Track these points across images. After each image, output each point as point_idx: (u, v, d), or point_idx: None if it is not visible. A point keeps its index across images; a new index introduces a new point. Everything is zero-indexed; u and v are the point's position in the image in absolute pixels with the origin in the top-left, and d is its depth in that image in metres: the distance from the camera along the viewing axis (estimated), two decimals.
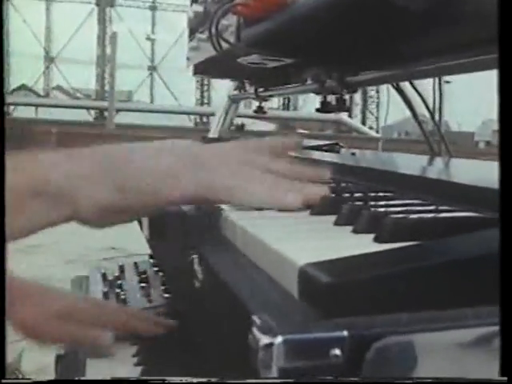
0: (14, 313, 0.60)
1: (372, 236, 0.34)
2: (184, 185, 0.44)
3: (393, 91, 1.15)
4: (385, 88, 1.33)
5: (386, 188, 0.51)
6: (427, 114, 1.14)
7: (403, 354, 0.23)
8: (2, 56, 0.39)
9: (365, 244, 0.33)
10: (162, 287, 0.89)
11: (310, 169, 0.50)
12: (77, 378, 0.65)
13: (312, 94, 1.00)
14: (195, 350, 0.50)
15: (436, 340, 0.24)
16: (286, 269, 0.30)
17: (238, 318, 0.30)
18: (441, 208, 0.41)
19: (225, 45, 0.76)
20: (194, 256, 0.40)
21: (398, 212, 0.38)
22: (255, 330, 0.24)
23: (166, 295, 0.88)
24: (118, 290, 0.96)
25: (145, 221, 0.66)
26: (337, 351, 0.24)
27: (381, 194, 0.49)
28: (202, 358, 0.47)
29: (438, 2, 0.52)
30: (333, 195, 0.46)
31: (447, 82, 1.15)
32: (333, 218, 0.40)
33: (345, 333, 0.24)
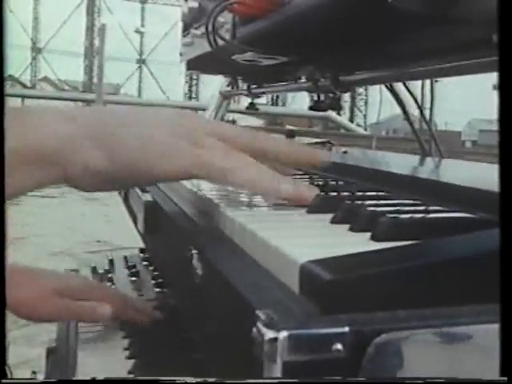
0: (9, 293, 0.61)
1: (369, 234, 0.35)
2: (181, 162, 0.43)
3: (384, 89, 1.16)
4: (375, 85, 1.34)
5: (381, 187, 0.52)
6: (416, 113, 1.15)
7: (403, 350, 0.24)
8: (2, 55, 0.39)
9: (362, 242, 0.34)
10: (153, 281, 0.89)
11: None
12: (75, 378, 0.65)
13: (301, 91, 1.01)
14: (192, 345, 0.51)
15: (435, 336, 0.25)
16: (287, 265, 0.31)
17: (237, 313, 0.31)
18: (436, 208, 0.42)
19: (220, 42, 0.76)
20: (194, 251, 0.40)
21: (395, 211, 0.39)
22: (260, 325, 0.25)
23: (157, 289, 0.88)
24: (108, 284, 0.96)
25: (140, 215, 0.67)
26: (339, 346, 0.24)
27: (377, 193, 0.50)
28: (200, 354, 0.47)
29: (433, 3, 0.53)
30: (329, 193, 0.47)
31: (436, 80, 1.16)
32: (329, 216, 0.41)
33: (346, 328, 0.25)
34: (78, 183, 0.44)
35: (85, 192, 0.46)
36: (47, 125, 0.43)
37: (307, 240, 0.36)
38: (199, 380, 0.27)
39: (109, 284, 0.96)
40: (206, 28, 0.75)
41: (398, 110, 1.18)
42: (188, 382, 0.28)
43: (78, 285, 0.65)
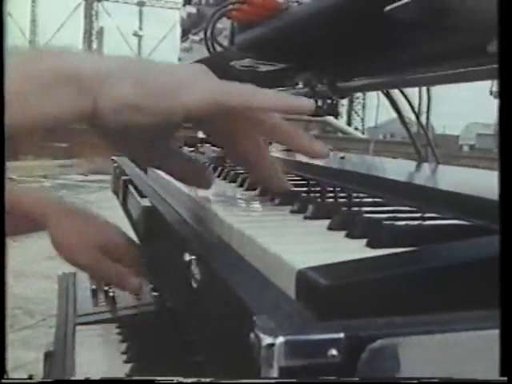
0: (55, 231, 0.62)
1: (365, 241, 0.36)
2: (200, 91, 0.45)
3: (380, 93, 1.17)
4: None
5: (378, 194, 0.52)
6: (413, 117, 1.16)
7: (398, 355, 0.25)
8: (2, 56, 0.40)
9: (358, 249, 0.35)
10: (151, 285, 0.89)
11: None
12: (75, 379, 0.65)
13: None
14: (190, 349, 0.51)
15: (430, 342, 0.25)
16: (284, 271, 0.32)
17: (235, 319, 0.31)
18: (432, 215, 0.42)
19: (218, 48, 0.77)
20: (192, 257, 0.41)
21: (391, 218, 0.40)
22: (257, 331, 0.25)
23: (155, 293, 0.88)
24: (106, 288, 0.97)
25: (138, 220, 0.67)
26: (334, 351, 0.25)
27: (374, 200, 0.50)
28: (197, 357, 0.48)
29: (430, 11, 0.54)
30: (326, 200, 0.48)
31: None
32: (325, 222, 0.42)
33: (341, 334, 0.25)
34: (105, 117, 0.45)
35: (111, 129, 0.47)
36: (84, 55, 0.48)
37: (304, 246, 0.36)
38: (193, 380, 0.28)
39: (106, 288, 0.96)
40: (205, 34, 0.76)
41: (395, 114, 1.18)
42: (182, 382, 0.28)
43: (121, 244, 0.67)
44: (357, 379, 0.25)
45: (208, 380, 0.28)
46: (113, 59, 0.47)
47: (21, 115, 0.42)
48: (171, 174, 0.56)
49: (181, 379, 0.28)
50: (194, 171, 0.55)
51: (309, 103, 0.50)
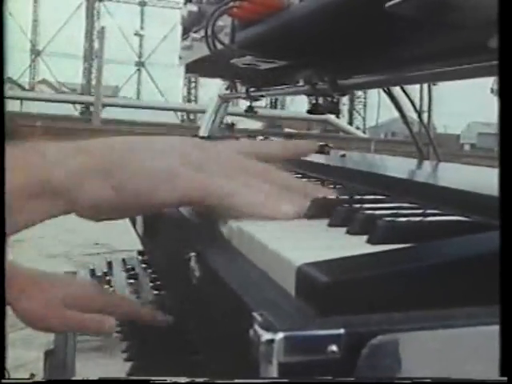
0: (17, 302, 0.60)
1: (365, 238, 0.36)
2: (182, 188, 0.45)
3: (382, 92, 1.17)
4: (375, 89, 1.34)
5: (378, 191, 0.52)
6: (415, 116, 1.15)
7: (398, 351, 0.25)
8: (2, 56, 0.40)
9: (358, 245, 0.35)
10: (151, 284, 0.89)
11: (311, 185, 0.51)
12: (74, 378, 0.65)
13: (300, 94, 1.01)
14: (190, 347, 0.51)
15: (430, 338, 0.25)
16: (284, 268, 0.31)
17: (235, 315, 0.31)
18: (432, 211, 0.42)
19: (219, 46, 0.77)
20: (192, 254, 0.41)
21: (391, 215, 0.39)
22: (257, 327, 0.25)
23: (155, 292, 0.88)
24: (106, 286, 0.96)
25: (138, 218, 0.67)
26: (334, 347, 0.25)
27: (374, 197, 0.50)
28: (198, 356, 0.47)
29: (430, 8, 0.53)
30: (327, 197, 0.47)
31: (434, 84, 1.16)
32: (326, 219, 0.42)
33: (341, 330, 0.25)
34: (86, 214, 0.46)
35: (93, 221, 0.48)
36: (54, 157, 0.45)
37: (304, 243, 0.36)
38: (189, 380, 0.28)
39: (111, 289, 0.96)
40: (206, 32, 0.76)
41: (397, 113, 1.18)
42: (179, 382, 0.28)
43: (85, 294, 0.66)
44: (351, 379, 0.25)
45: (202, 380, 0.28)
46: (86, 151, 0.45)
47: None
48: None
49: (176, 379, 0.28)
50: None
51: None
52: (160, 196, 0.45)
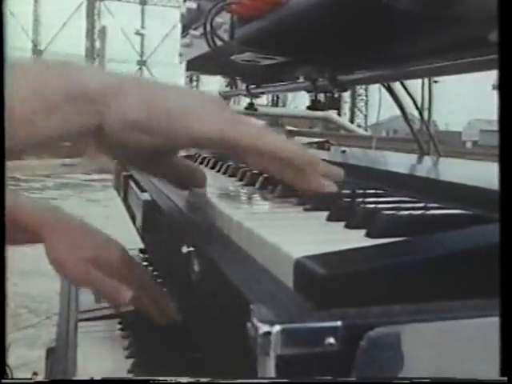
0: (50, 246, 0.61)
1: (364, 231, 0.35)
2: (208, 120, 0.45)
3: (383, 89, 1.17)
4: (376, 86, 1.34)
5: (378, 185, 0.52)
6: (416, 113, 1.15)
7: (396, 344, 0.25)
8: (2, 56, 0.40)
9: (357, 239, 0.35)
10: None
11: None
12: (75, 378, 0.65)
13: (301, 91, 1.01)
14: (191, 343, 0.51)
15: (428, 330, 0.25)
16: (282, 261, 0.31)
17: (233, 308, 0.31)
18: (431, 205, 0.42)
19: (219, 42, 0.77)
20: (190, 249, 0.41)
21: (390, 208, 0.39)
22: (254, 319, 0.25)
23: None
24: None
25: (138, 215, 0.67)
26: (331, 340, 0.25)
27: (373, 191, 0.50)
28: (199, 353, 0.47)
29: (428, 1, 0.53)
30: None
31: (435, 81, 1.16)
32: (325, 213, 0.41)
33: (339, 323, 0.25)
34: (110, 134, 0.45)
35: (106, 152, 0.48)
36: (92, 71, 0.47)
37: (302, 236, 0.36)
38: (191, 380, 0.28)
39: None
40: (204, 28, 0.76)
41: (398, 111, 1.18)
42: (180, 382, 0.28)
43: (115, 260, 0.65)
44: (351, 379, 0.24)
45: (205, 380, 0.28)
46: (122, 77, 0.46)
47: (27, 134, 0.42)
48: (164, 179, 0.56)
49: (177, 379, 0.28)
50: (186, 175, 0.54)
51: (313, 157, 0.47)
52: (189, 125, 0.44)
